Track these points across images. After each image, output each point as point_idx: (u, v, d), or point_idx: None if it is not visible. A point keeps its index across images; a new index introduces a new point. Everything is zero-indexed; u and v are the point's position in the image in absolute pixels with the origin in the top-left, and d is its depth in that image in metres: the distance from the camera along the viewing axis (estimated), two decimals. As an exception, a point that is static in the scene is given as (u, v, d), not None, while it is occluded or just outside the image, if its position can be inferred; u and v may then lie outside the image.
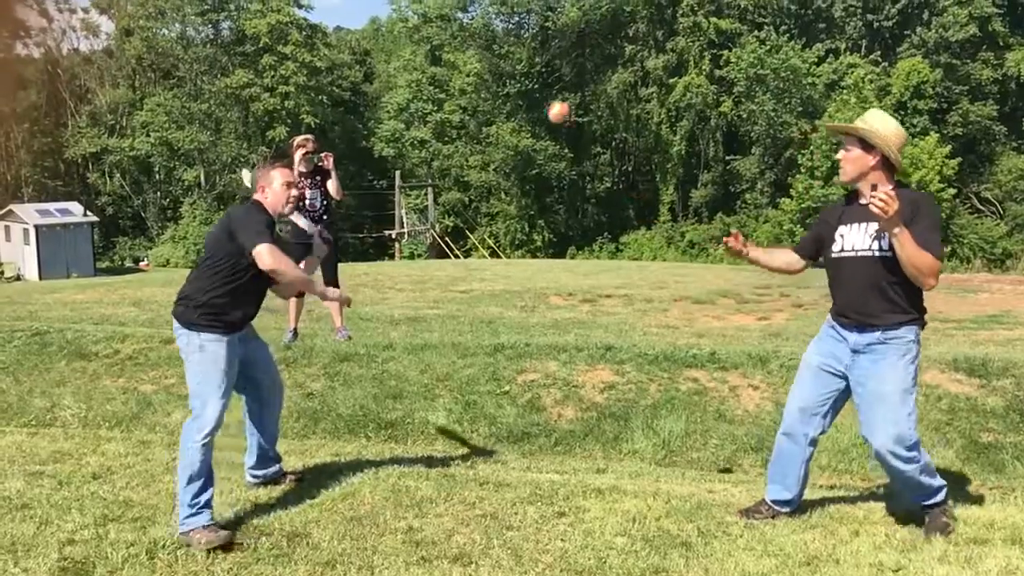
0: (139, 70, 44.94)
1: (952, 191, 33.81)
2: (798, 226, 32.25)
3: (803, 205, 32.14)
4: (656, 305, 11.31)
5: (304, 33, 43.95)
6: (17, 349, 8.30)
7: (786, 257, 4.14)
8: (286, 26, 42.97)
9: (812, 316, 10.42)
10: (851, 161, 3.78)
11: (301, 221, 7.39)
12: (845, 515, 4.08)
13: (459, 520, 4.03)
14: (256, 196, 4.10)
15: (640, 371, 6.95)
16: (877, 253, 3.70)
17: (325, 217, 7.57)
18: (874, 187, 3.60)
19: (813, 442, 3.98)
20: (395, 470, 4.76)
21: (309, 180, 7.48)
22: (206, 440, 3.84)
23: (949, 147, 34.14)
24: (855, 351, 3.81)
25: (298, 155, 7.45)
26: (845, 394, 3.91)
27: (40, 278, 27.90)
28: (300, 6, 45.14)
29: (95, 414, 7.01)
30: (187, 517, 3.77)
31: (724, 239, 4.09)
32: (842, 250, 3.82)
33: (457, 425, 6.48)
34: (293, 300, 7.81)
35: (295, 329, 7.91)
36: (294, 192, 4.12)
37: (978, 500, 4.69)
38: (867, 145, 3.73)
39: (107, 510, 4.14)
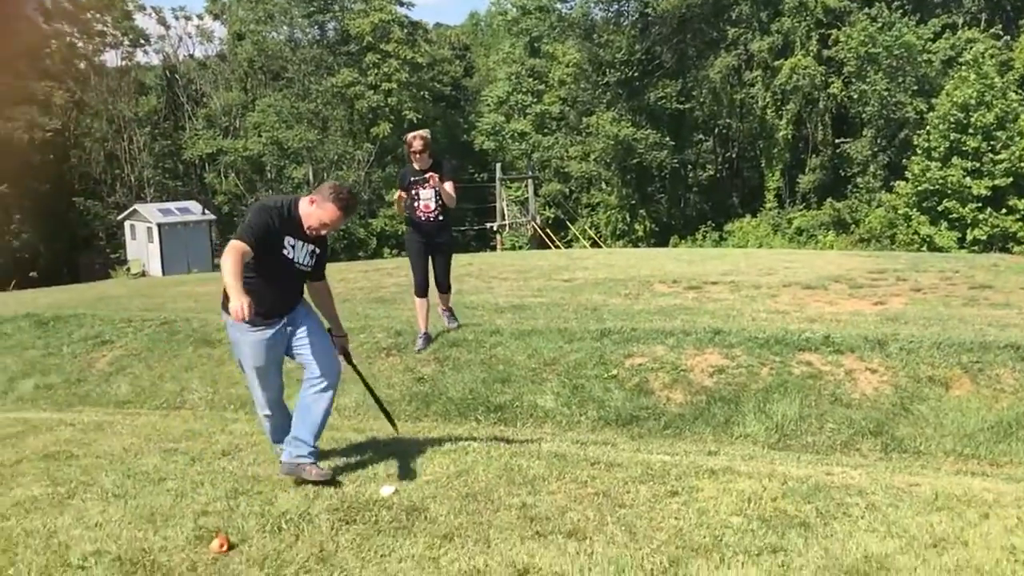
0: (250, 73, 46.66)
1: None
2: (914, 210, 30.83)
3: (920, 188, 30.67)
4: (764, 291, 11.03)
5: (405, 31, 44.78)
6: (148, 337, 8.81)
7: None
8: (388, 24, 43.87)
9: (932, 301, 9.98)
10: None
11: None
12: (973, 498, 3.92)
13: (572, 498, 4.06)
14: (302, 200, 4.18)
15: (750, 355, 6.83)
16: None
17: (440, 218, 7.44)
18: None
19: None
20: (507, 449, 4.83)
21: (423, 180, 7.30)
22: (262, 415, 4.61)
23: (1081, 125, 32.04)
24: None
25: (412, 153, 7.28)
26: None
27: (163, 274, 29.30)
28: (401, 3, 46.02)
29: (220, 397, 7.38)
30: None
31: None
32: None
33: (565, 408, 6.52)
34: (419, 301, 7.68)
35: (427, 333, 7.67)
36: (321, 231, 4.19)
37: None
38: None
39: (237, 484, 4.35)
